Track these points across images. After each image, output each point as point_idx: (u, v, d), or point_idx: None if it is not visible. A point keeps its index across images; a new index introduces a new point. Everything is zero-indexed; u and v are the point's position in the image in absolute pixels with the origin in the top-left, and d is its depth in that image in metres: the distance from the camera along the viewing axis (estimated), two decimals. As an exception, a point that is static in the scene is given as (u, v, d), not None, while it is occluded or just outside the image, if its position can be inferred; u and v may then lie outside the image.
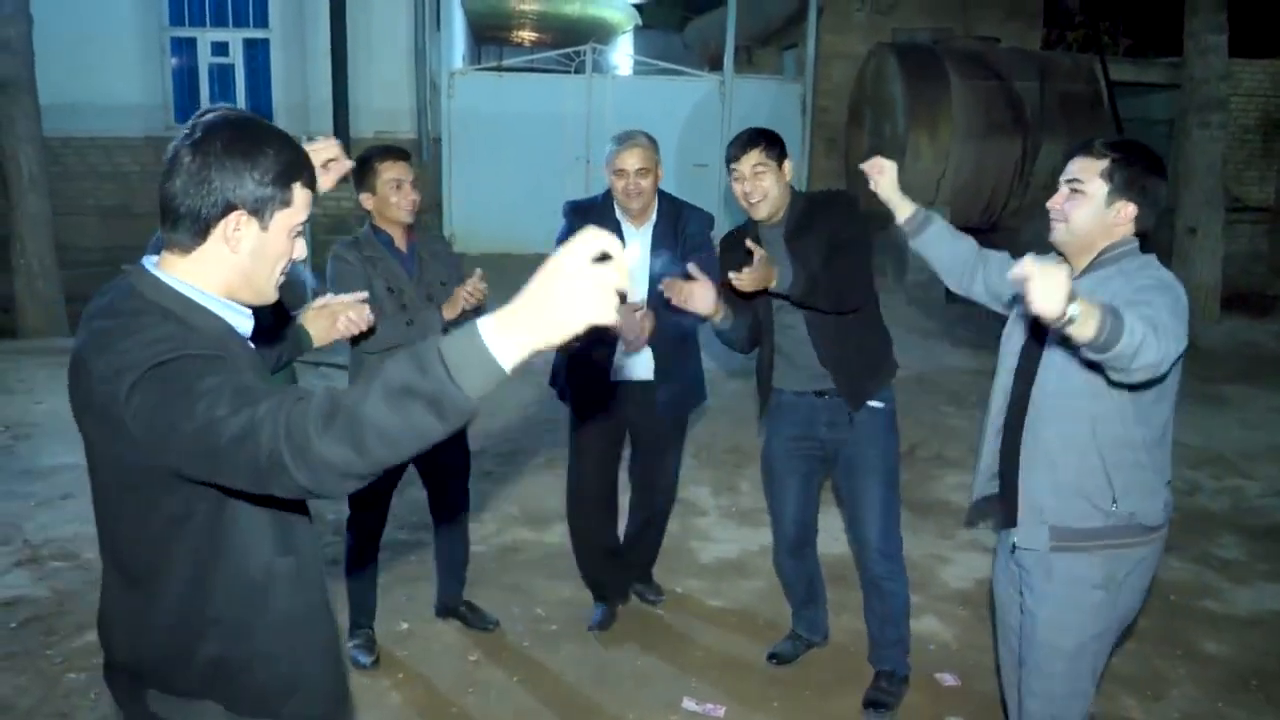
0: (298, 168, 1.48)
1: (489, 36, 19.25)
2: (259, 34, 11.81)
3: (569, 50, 12.17)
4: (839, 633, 3.58)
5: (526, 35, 18.81)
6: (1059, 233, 2.33)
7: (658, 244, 3.42)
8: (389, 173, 3.26)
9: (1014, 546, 2.41)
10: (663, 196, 3.47)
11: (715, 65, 13.07)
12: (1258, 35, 11.97)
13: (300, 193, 1.48)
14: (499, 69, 13.50)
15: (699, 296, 2.85)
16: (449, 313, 3.19)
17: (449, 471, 3.51)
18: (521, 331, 1.10)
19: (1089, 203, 2.27)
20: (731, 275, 2.78)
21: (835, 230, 3.00)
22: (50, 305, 7.94)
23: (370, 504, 3.36)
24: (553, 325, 1.09)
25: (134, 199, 11.57)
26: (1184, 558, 4.38)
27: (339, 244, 3.31)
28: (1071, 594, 2.32)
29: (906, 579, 3.22)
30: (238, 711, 1.46)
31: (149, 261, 1.49)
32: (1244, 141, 12.87)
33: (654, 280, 3.36)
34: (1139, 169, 2.24)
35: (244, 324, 1.51)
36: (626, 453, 3.71)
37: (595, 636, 3.62)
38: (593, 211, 3.46)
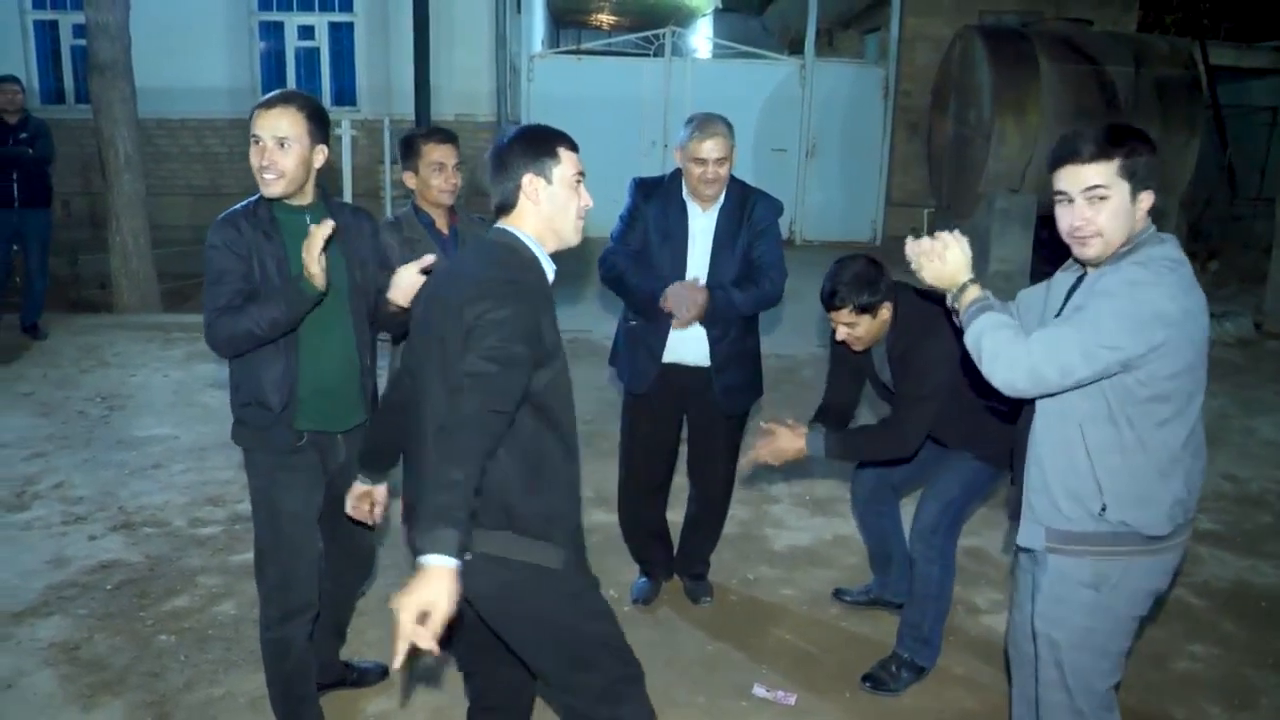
0: (560, 138, 2.15)
1: (568, 20, 19.34)
2: (344, 18, 12.04)
3: (648, 33, 12.15)
4: (912, 626, 3.53)
5: (605, 19, 18.84)
6: (1093, 249, 2.17)
7: (723, 227, 3.41)
8: (433, 155, 3.35)
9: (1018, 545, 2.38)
10: (732, 181, 3.43)
11: (795, 49, 12.92)
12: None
13: (566, 154, 2.13)
14: (578, 52, 13.55)
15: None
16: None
17: None
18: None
19: (1117, 206, 2.14)
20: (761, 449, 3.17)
21: (923, 367, 3.02)
22: (144, 282, 8.21)
23: None
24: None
25: (221, 179, 11.91)
26: (1275, 563, 4.23)
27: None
28: (1060, 590, 2.27)
29: (946, 569, 3.21)
30: (520, 532, 2.04)
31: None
32: (1350, 129, 12.31)
33: (714, 262, 3.38)
34: (1148, 153, 2.15)
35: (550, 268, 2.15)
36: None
37: (667, 620, 3.64)
38: (659, 190, 3.47)
